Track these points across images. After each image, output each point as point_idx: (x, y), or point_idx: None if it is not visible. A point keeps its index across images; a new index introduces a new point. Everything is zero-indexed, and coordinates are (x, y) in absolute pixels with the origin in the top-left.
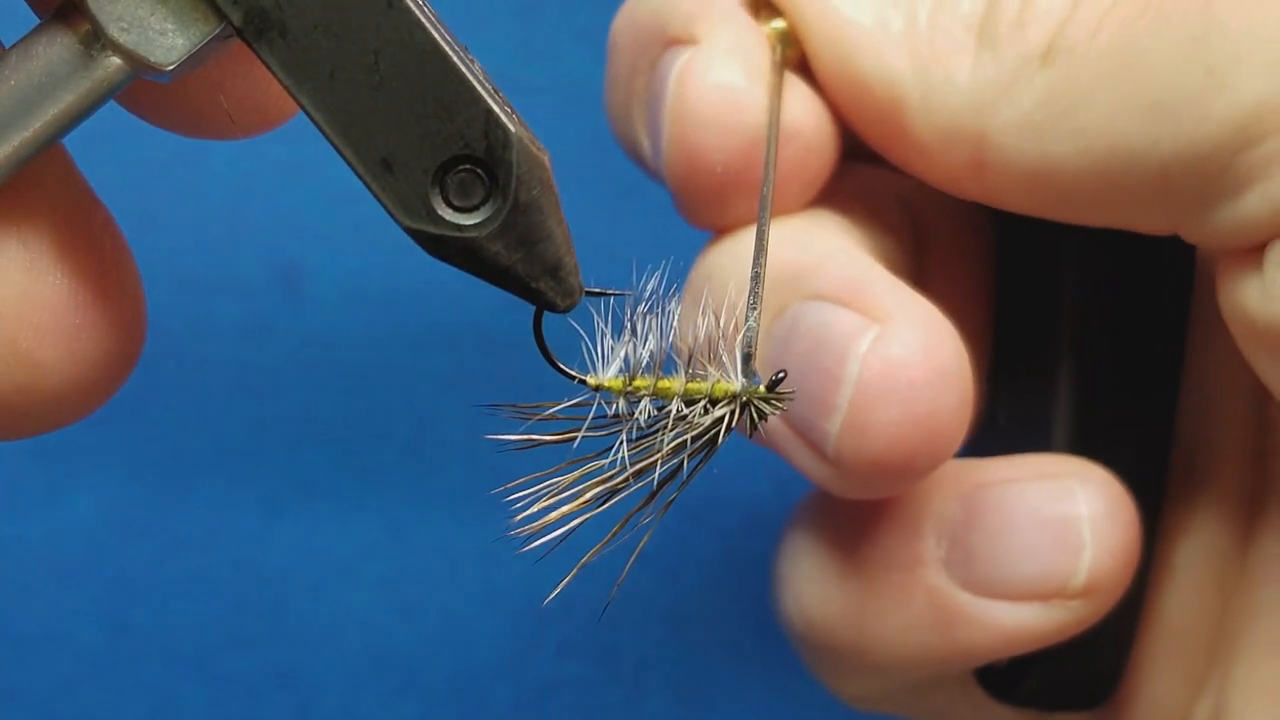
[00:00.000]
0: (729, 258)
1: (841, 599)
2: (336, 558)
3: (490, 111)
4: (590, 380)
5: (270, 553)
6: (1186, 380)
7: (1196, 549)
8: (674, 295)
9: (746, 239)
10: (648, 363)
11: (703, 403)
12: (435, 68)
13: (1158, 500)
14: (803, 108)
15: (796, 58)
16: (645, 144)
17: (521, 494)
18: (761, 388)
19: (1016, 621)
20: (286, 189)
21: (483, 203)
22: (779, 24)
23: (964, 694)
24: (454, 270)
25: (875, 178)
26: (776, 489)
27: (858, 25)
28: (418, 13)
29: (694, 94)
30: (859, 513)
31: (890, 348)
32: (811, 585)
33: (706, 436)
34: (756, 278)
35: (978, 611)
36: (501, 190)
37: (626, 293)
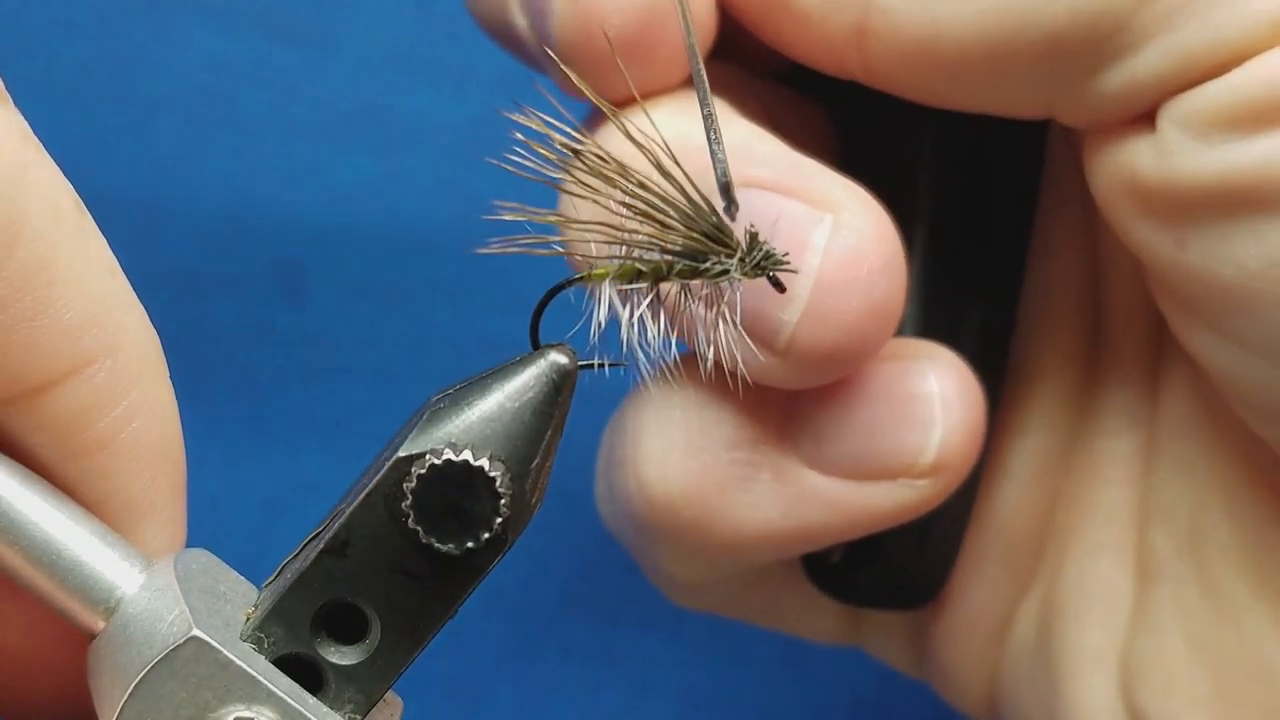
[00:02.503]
0: (634, 130)
1: (687, 476)
2: None
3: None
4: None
5: (271, 553)
6: (1026, 280)
7: (1028, 450)
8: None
9: (640, 111)
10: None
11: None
12: None
13: (996, 397)
14: None
15: None
16: (521, 20)
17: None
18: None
19: (863, 501)
20: (286, 189)
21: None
22: None
23: (792, 590)
24: (453, 270)
25: (723, 71)
26: None
27: None
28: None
29: None
30: (704, 393)
31: (848, 237)
32: (655, 463)
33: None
34: (709, 117)
35: (824, 491)
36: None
37: (623, 363)
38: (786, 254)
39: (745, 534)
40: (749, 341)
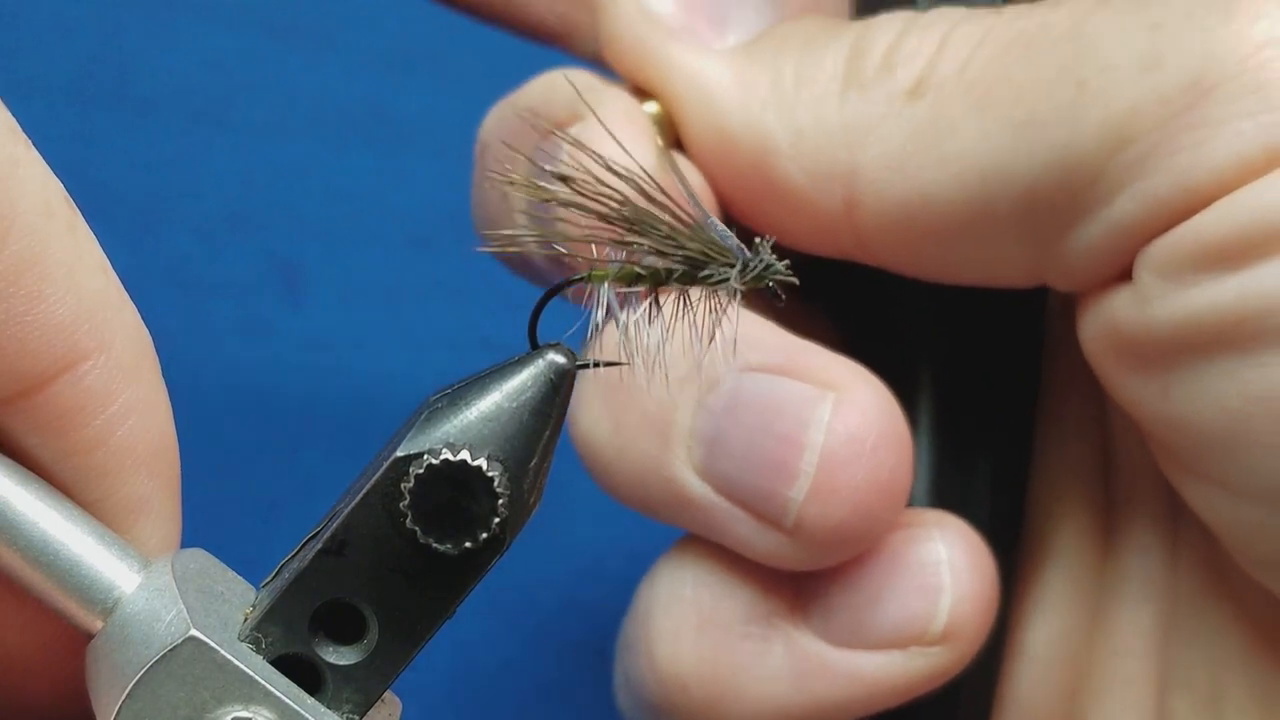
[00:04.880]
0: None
1: (699, 655)
2: None
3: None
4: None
5: (270, 553)
6: (1036, 456)
7: (1047, 629)
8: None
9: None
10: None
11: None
12: None
13: (1011, 570)
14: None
15: (672, 140)
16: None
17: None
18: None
19: (876, 672)
20: (286, 189)
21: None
22: (651, 107)
23: None
24: (453, 270)
25: None
26: None
27: (722, 85)
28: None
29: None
30: (714, 570)
31: (851, 414)
32: (667, 642)
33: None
34: (706, 216)
35: (837, 663)
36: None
37: (620, 362)
38: (787, 262)
39: (759, 712)
40: (747, 521)
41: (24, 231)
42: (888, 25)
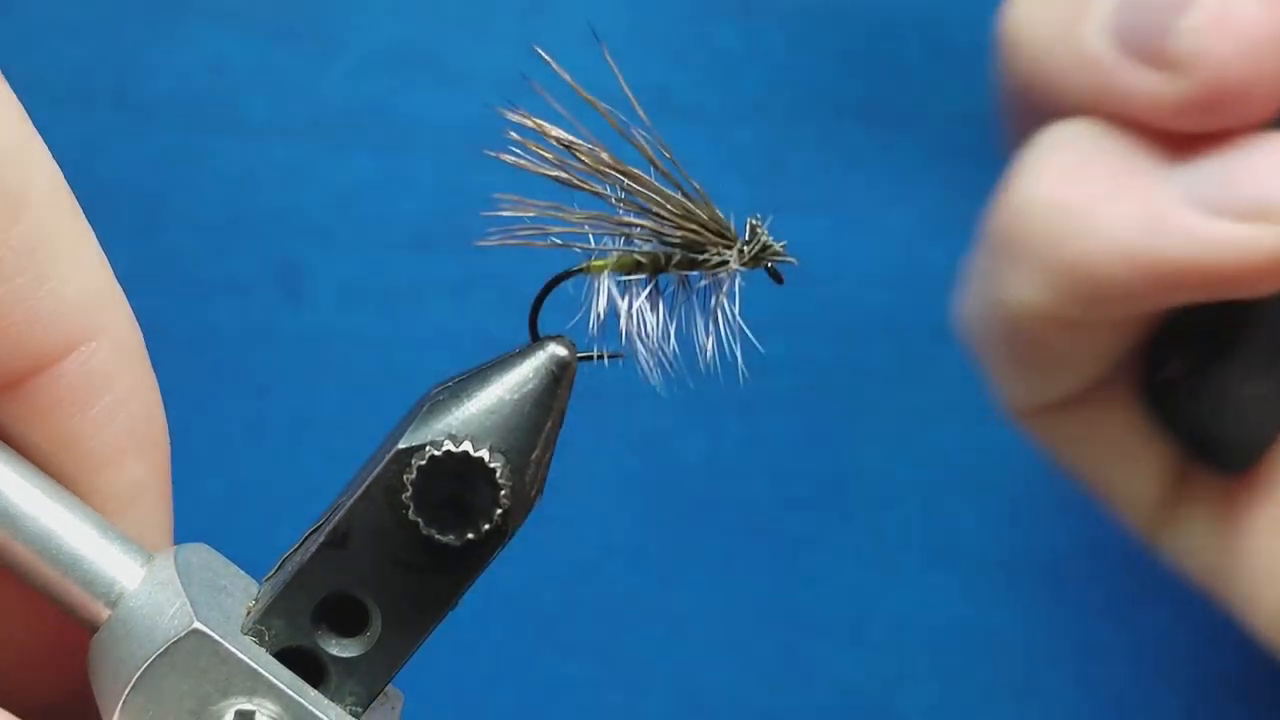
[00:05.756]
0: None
1: (1062, 185)
2: None
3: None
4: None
5: (269, 553)
6: None
7: None
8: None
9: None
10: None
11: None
12: None
13: None
14: None
15: None
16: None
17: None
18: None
19: (1216, 238)
20: (286, 189)
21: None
22: None
23: (1122, 427)
24: (454, 270)
25: None
26: (775, 489)
27: None
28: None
29: None
30: (1098, 126)
31: None
32: (1031, 179)
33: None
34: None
35: (1183, 219)
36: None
37: (620, 354)
38: (784, 243)
39: (1102, 247)
40: (1131, 67)
41: (36, 209)
42: None
